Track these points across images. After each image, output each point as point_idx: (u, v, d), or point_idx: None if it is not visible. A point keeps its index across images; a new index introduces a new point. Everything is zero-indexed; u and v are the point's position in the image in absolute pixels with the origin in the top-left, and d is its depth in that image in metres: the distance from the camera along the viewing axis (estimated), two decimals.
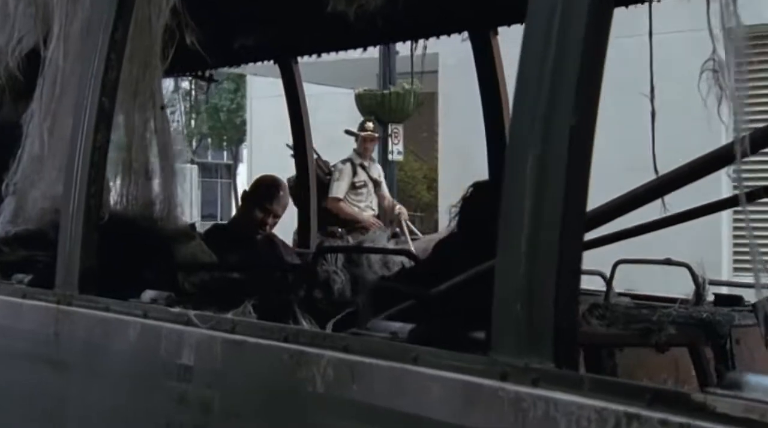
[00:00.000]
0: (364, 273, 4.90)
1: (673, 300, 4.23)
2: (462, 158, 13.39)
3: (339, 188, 9.93)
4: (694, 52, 2.90)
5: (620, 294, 4.91)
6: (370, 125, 10.63)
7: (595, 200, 2.01)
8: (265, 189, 5.29)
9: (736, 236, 11.82)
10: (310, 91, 16.81)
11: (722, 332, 3.81)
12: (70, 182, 3.21)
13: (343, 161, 10.19)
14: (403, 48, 13.69)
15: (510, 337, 1.88)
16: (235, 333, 2.51)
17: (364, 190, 10.06)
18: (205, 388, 2.56)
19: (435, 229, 15.26)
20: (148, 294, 2.94)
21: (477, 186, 3.14)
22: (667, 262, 3.98)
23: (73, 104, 3.64)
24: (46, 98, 3.84)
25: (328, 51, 6.06)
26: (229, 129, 29.14)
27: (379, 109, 13.30)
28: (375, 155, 13.80)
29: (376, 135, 10.63)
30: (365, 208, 10.03)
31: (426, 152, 16.35)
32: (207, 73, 6.64)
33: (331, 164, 10.16)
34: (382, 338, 2.20)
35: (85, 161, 3.16)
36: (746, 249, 11.92)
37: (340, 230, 8.69)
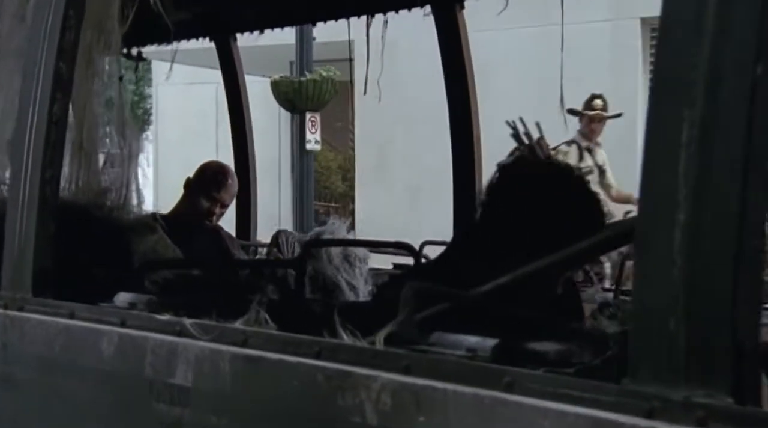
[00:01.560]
0: (323, 267, 4.45)
1: None
2: (378, 148, 13.02)
3: None
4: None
5: (605, 290, 4.55)
6: (598, 102, 8.96)
7: None
8: (211, 176, 4.79)
9: None
10: (221, 78, 16.12)
11: None
12: (20, 164, 2.68)
13: (568, 143, 8.76)
14: (320, 34, 13.28)
15: (658, 361, 1.45)
16: (247, 347, 2.04)
17: (589, 178, 8.96)
18: (208, 415, 2.08)
19: (351, 220, 14.85)
20: (124, 297, 2.44)
21: (505, 168, 2.71)
22: None
23: (9, 73, 3.14)
24: None
25: (271, 27, 5.58)
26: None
27: (296, 96, 12.84)
28: (293, 145, 13.25)
29: (606, 114, 8.96)
30: None
31: (340, 141, 15.89)
32: (136, 52, 6.08)
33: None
34: (459, 356, 1.75)
35: (38, 139, 2.64)
36: None
37: None
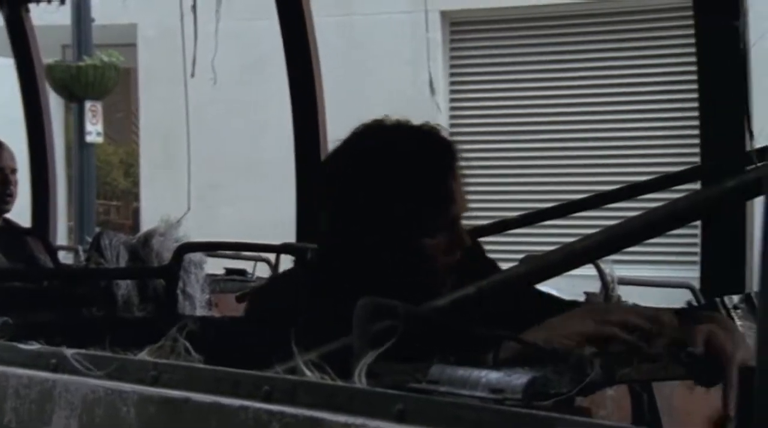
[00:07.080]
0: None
1: None
2: (166, 141, 12.30)
3: None
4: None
5: None
6: None
7: None
8: None
9: None
10: None
11: None
12: None
13: None
14: (99, 16, 12.44)
15: None
16: (161, 385, 1.54)
17: None
18: None
19: (134, 219, 14.04)
20: None
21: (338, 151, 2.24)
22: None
23: None
24: None
25: None
26: None
27: (74, 83, 11.94)
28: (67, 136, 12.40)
29: None
30: None
31: (122, 133, 15.03)
32: None
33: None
34: (480, 398, 1.31)
35: None
36: None
37: None
